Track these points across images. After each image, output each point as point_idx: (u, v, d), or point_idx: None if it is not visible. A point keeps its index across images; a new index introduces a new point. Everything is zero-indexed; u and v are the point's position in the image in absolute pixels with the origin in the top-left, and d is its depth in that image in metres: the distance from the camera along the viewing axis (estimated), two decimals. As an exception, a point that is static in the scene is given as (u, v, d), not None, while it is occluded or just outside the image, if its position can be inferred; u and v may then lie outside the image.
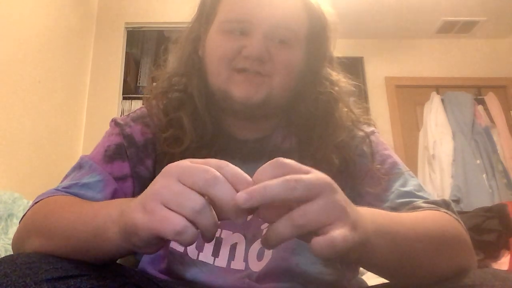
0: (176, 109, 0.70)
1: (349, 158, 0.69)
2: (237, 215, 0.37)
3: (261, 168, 0.39)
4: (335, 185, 0.39)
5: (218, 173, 0.37)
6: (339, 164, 0.67)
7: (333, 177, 0.39)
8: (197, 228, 0.36)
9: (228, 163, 0.38)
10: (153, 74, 0.78)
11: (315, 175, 0.38)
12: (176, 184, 0.37)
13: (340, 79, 0.74)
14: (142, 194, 0.40)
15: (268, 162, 0.39)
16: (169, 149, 0.66)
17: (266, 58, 0.64)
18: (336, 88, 0.72)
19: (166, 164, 0.64)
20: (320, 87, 0.71)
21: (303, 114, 0.71)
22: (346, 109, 0.73)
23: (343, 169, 0.67)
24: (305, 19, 0.69)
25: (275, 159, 0.39)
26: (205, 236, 0.37)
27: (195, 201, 0.36)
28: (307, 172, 0.38)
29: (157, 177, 0.39)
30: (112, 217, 0.42)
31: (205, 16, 0.72)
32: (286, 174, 0.37)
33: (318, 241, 0.35)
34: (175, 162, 0.39)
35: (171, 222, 0.35)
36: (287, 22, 0.66)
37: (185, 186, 0.36)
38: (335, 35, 0.74)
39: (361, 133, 0.71)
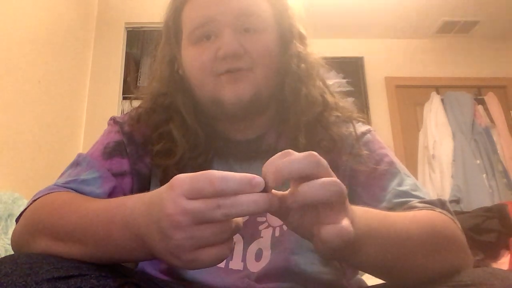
0: (164, 122, 0.69)
1: (335, 135, 0.68)
2: (270, 207, 0.37)
3: (270, 160, 0.39)
4: None
5: (229, 201, 0.36)
6: (328, 144, 0.67)
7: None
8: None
9: (226, 177, 0.36)
10: (136, 94, 0.79)
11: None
12: (196, 229, 0.36)
13: (311, 53, 0.73)
14: (159, 233, 0.38)
15: (277, 154, 0.39)
16: (162, 161, 0.66)
17: (242, 52, 0.64)
18: (303, 65, 0.70)
19: (161, 175, 0.63)
20: (286, 67, 0.70)
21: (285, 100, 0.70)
22: (319, 82, 0.72)
23: (331, 148, 0.67)
24: (265, 1, 0.69)
25: (285, 151, 0.39)
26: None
27: (223, 234, 0.37)
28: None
29: (169, 229, 0.36)
30: (128, 236, 0.42)
31: (173, 36, 0.72)
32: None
33: (327, 229, 0.37)
34: (178, 206, 0.36)
35: (219, 257, 0.37)
36: (248, 9, 0.66)
37: (206, 224, 0.36)
38: (299, 11, 0.74)
39: (357, 132, 0.71)
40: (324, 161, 0.38)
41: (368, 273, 0.50)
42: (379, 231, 0.45)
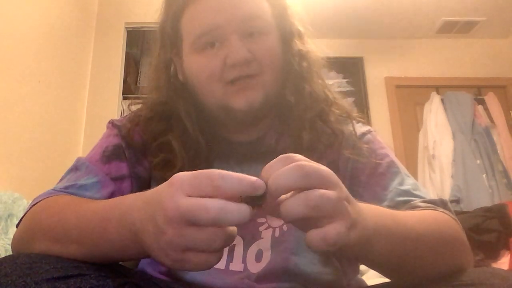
0: (163, 132, 0.68)
1: (336, 129, 0.68)
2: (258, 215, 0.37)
3: (268, 165, 0.39)
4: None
5: (220, 204, 0.35)
6: (329, 138, 0.67)
7: (320, 154, 0.40)
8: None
9: (226, 175, 0.36)
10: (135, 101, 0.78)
11: (328, 169, 0.39)
12: (188, 230, 0.36)
13: (311, 51, 0.73)
14: (152, 231, 0.38)
15: (275, 159, 0.39)
16: (161, 173, 0.65)
17: (251, 58, 0.63)
18: (304, 63, 0.71)
19: (160, 181, 0.63)
20: (287, 66, 0.70)
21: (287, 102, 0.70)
22: (320, 81, 0.72)
23: (332, 142, 0.68)
24: (265, 2, 0.69)
25: (284, 155, 0.39)
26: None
27: (215, 241, 0.36)
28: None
29: (163, 223, 0.37)
30: (123, 233, 0.42)
31: (170, 43, 0.71)
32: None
33: (311, 233, 0.37)
34: (174, 202, 0.36)
35: (205, 264, 0.37)
36: (252, 12, 0.66)
37: (198, 226, 0.36)
38: (297, 9, 0.74)
39: (356, 130, 0.71)
40: (315, 171, 0.37)
41: (378, 271, 0.50)
42: (390, 229, 0.45)
